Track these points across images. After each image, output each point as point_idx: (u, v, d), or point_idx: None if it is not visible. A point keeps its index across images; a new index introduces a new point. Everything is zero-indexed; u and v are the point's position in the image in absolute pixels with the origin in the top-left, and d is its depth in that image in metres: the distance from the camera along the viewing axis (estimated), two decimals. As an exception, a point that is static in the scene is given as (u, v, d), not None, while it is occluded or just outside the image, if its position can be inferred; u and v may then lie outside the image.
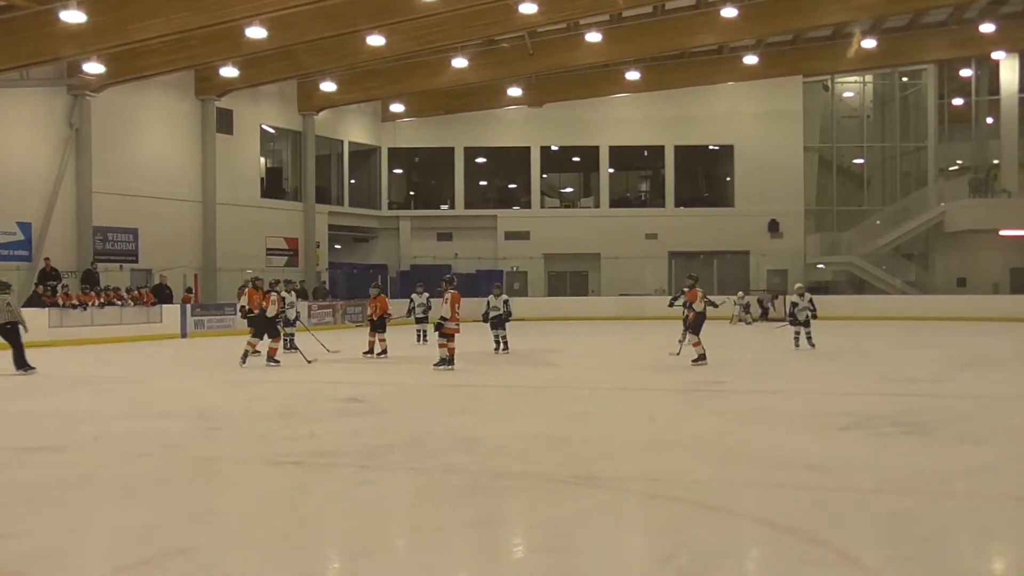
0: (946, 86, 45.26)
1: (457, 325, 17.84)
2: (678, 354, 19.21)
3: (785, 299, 38.06)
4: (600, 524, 6.69)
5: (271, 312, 19.57)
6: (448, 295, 18.01)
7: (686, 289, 19.04)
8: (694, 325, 18.52)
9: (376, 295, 21.75)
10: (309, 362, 19.39)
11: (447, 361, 17.68)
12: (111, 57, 28.82)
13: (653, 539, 6.41)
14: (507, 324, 22.23)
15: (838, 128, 46.60)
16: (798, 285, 23.89)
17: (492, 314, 22.08)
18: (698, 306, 18.56)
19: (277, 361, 19.36)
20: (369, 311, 21.71)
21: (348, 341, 19.98)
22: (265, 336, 19.39)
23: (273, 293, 20.07)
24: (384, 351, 21.00)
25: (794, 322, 22.68)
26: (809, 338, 22.42)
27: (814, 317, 22.60)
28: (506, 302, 22.21)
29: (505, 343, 21.99)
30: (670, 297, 24.76)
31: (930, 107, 45.16)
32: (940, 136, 45.47)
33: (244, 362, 19.02)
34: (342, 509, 7.13)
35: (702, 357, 18.22)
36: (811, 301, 22.66)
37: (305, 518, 6.89)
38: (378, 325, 21.24)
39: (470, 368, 18.09)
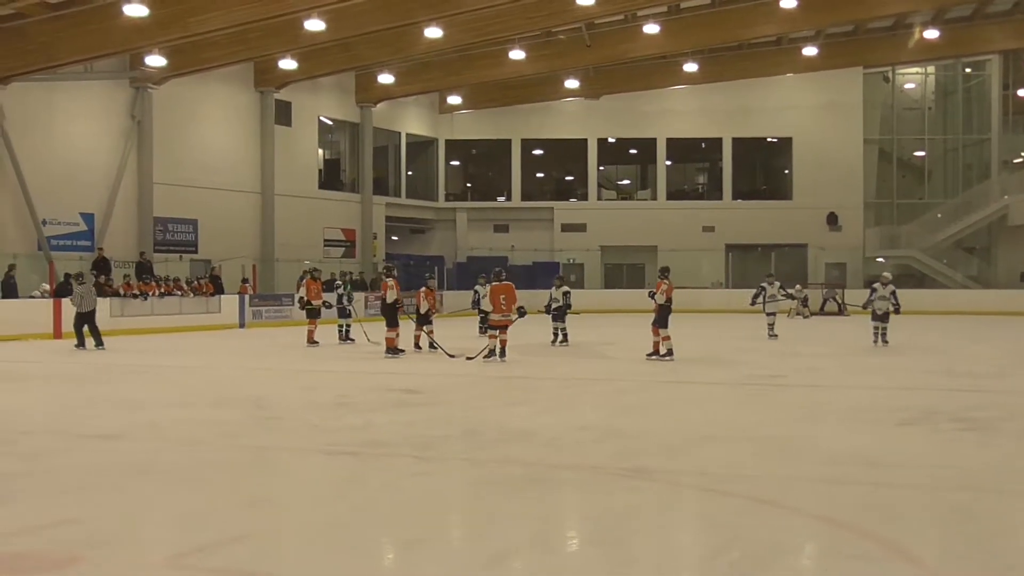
0: (1011, 76, 44.41)
1: (502, 316, 17.81)
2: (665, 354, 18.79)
3: (843, 292, 38.07)
4: (653, 517, 6.66)
5: (390, 298, 19.29)
6: (487, 288, 18.06)
7: (660, 280, 18.38)
8: (659, 318, 18.00)
9: (435, 287, 21.01)
10: (452, 357, 18.30)
11: (494, 352, 17.57)
12: (172, 50, 29.20)
13: (706, 533, 6.36)
14: (567, 317, 22.08)
15: (899, 120, 45.98)
16: (885, 273, 23.02)
17: (553, 306, 21.97)
18: (660, 298, 17.99)
19: (396, 351, 18.92)
20: (427, 305, 20.04)
21: (402, 331, 19.89)
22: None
23: (390, 279, 19.64)
24: (432, 344, 19.85)
25: (873, 316, 21.98)
26: (884, 334, 21.57)
27: (896, 312, 21.77)
28: (566, 294, 22.02)
29: (564, 335, 21.78)
30: (752, 294, 24.64)
31: (994, 98, 44.42)
32: (1004, 127, 44.68)
33: (395, 354, 18.91)
34: (397, 499, 7.15)
35: (666, 352, 17.78)
36: (894, 294, 21.85)
37: (360, 507, 6.93)
38: (424, 318, 20.10)
39: (526, 360, 18.08)
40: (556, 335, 21.84)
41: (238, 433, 10.01)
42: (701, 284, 41.72)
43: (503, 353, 17.64)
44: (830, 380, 15.26)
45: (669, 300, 18.14)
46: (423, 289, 20.52)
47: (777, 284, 25.21)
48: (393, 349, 19.05)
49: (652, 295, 18.35)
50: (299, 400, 12.61)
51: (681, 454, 8.75)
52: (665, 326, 17.99)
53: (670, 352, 17.82)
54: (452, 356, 18.34)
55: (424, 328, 20.13)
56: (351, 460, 8.59)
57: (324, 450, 9.05)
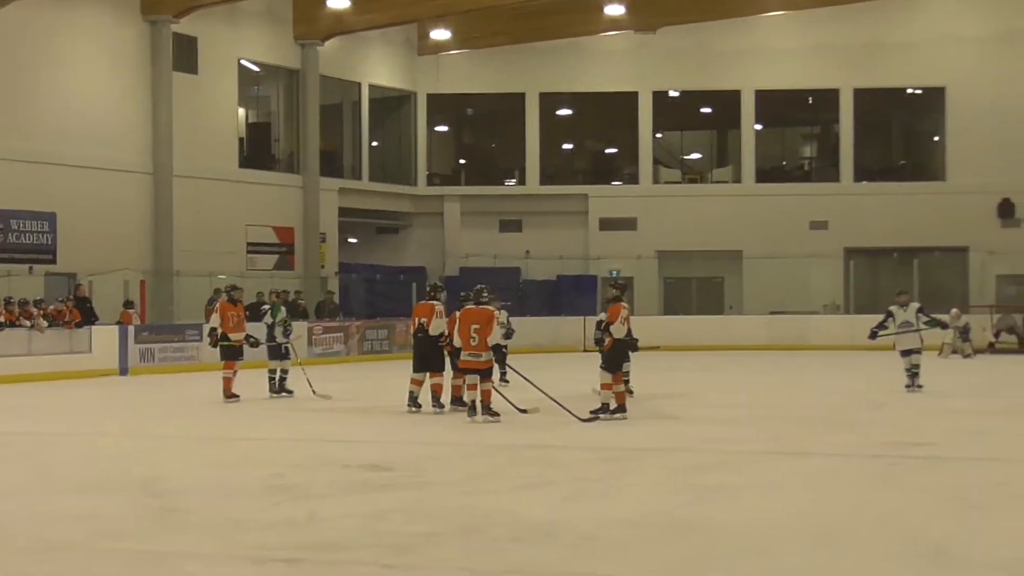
0: None
1: (471, 355, 17.88)
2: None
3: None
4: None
5: (436, 329, 19.24)
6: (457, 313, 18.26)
7: (615, 303, 18.43)
8: (608, 358, 18.09)
9: (496, 306, 20.01)
10: (524, 412, 18.36)
11: (475, 409, 17.83)
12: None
13: None
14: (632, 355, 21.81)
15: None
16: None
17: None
18: (618, 330, 18.05)
19: (441, 405, 19.22)
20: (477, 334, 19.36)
21: (365, 378, 19.87)
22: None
23: (437, 302, 19.66)
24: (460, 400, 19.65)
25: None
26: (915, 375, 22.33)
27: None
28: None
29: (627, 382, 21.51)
30: (878, 323, 24.27)
31: None
32: None
33: (443, 407, 19.23)
34: (357, 629, 7.14)
35: (614, 408, 17.93)
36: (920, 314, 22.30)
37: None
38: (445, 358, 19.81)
39: (547, 420, 18.04)
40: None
41: (119, 533, 9.97)
42: (809, 308, 41.70)
43: (488, 410, 17.70)
44: (1003, 451, 15.18)
45: (630, 332, 18.31)
46: (461, 313, 19.93)
47: (914, 307, 24.75)
48: (461, 400, 19.12)
49: (606, 327, 18.29)
50: (211, 482, 12.60)
51: (786, 560, 8.71)
52: (620, 368, 18.21)
53: (619, 408, 17.97)
54: (524, 411, 18.36)
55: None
56: (289, 572, 8.57)
57: (249, 556, 9.03)
